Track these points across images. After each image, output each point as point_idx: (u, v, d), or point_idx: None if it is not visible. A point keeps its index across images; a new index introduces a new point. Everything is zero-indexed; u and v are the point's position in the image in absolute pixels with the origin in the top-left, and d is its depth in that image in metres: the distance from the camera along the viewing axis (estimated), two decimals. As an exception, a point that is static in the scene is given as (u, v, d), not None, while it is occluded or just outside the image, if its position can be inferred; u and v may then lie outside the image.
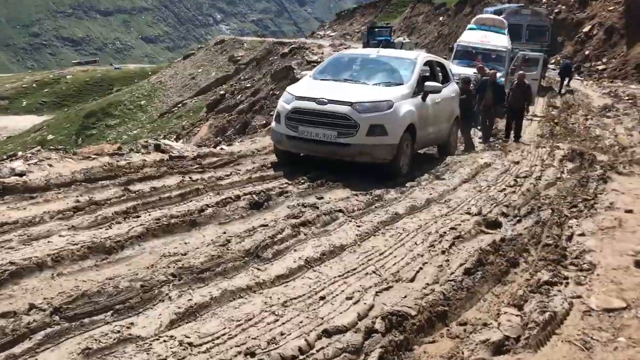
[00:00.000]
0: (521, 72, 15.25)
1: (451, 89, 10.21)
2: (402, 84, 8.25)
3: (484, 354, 3.20)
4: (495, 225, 5.79)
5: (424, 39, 51.29)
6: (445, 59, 23.28)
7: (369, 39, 36.54)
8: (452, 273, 4.43)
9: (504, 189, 7.48)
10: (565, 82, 24.03)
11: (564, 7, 36.16)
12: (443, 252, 4.94)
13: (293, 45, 40.62)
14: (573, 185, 7.56)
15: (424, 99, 8.47)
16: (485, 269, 4.45)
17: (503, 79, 17.37)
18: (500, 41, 19.07)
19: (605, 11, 33.07)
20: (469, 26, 21.33)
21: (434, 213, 6.25)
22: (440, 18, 51.43)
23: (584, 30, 33.76)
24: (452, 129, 10.38)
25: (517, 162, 9.66)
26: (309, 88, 8.25)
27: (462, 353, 3.18)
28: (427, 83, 8.59)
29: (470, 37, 19.54)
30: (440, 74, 9.93)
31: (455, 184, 7.73)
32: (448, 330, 3.54)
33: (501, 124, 15.15)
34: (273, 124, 8.42)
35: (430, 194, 7.04)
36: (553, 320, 3.62)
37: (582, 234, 5.42)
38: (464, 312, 3.81)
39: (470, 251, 4.93)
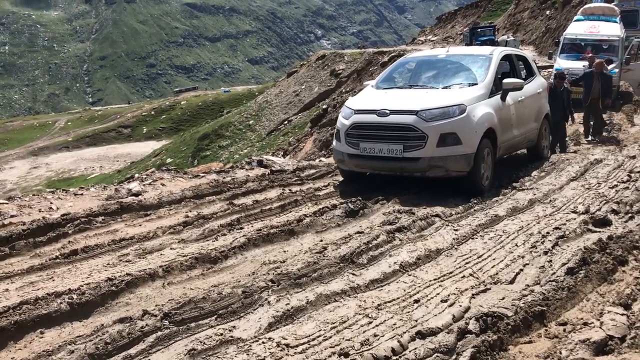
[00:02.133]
0: (599, 59, 13.69)
1: (537, 85, 9.13)
2: (477, 84, 7.36)
3: (584, 353, 3.07)
4: (603, 223, 5.49)
5: (531, 36, 49.21)
6: (551, 54, 22.35)
7: (472, 40, 35.69)
8: (553, 273, 4.28)
9: (616, 185, 7.07)
10: None
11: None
12: (545, 253, 4.77)
13: (393, 54, 40.54)
14: (695, 177, 6.98)
15: (503, 98, 7.57)
16: (589, 268, 4.25)
17: (617, 70, 16.36)
18: (611, 30, 17.92)
19: None
20: (575, 17, 20.25)
21: (537, 213, 6.04)
22: (547, 12, 49.08)
23: None
24: (542, 129, 9.26)
25: (634, 157, 9.07)
26: (369, 99, 7.52)
27: (560, 353, 3.07)
28: (505, 80, 7.69)
29: (578, 28, 18.55)
30: (522, 69, 8.99)
31: (562, 182, 7.41)
32: (546, 330, 3.43)
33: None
34: (334, 142, 7.71)
35: (534, 194, 6.80)
36: (664, 319, 3.39)
37: (702, 229, 5.01)
38: (565, 312, 3.67)
39: (574, 250, 4.73)
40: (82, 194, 7.01)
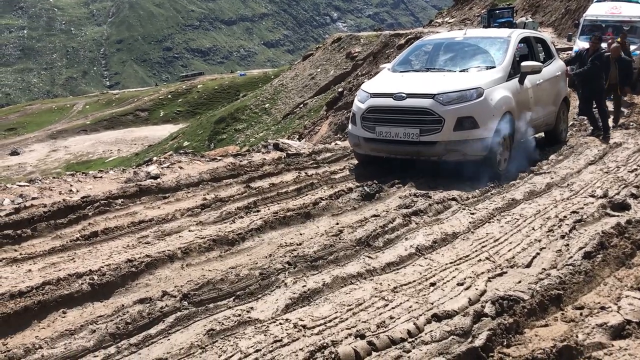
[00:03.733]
0: (615, 44, 12.39)
1: (555, 68, 8.99)
2: (494, 67, 7.28)
3: (601, 337, 3.08)
4: (622, 207, 5.45)
5: (550, 17, 48.35)
6: (570, 36, 21.96)
7: (490, 22, 35.16)
8: (570, 257, 4.27)
9: (636, 169, 7.00)
10: None
11: None
12: (562, 237, 4.76)
13: (410, 36, 40.14)
14: None
15: (521, 81, 7.49)
16: (607, 252, 4.23)
17: (638, 52, 16.06)
18: (634, 10, 17.52)
19: None
20: (596, -2, 19.86)
21: (554, 197, 6.01)
22: (567, -7, 48.25)
23: None
24: (561, 113, 9.11)
25: (654, 140, 8.96)
26: (385, 83, 7.45)
27: (577, 336, 3.08)
28: (523, 63, 7.60)
29: (598, 9, 18.18)
30: (541, 52, 8.85)
31: (580, 166, 7.35)
32: (563, 314, 3.44)
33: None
34: (349, 126, 7.69)
35: (552, 178, 6.75)
36: (682, 304, 3.38)
37: None
38: (582, 296, 3.66)
39: (591, 234, 4.70)
40: (101, 177, 7.10)
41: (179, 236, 5.08)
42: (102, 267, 4.24)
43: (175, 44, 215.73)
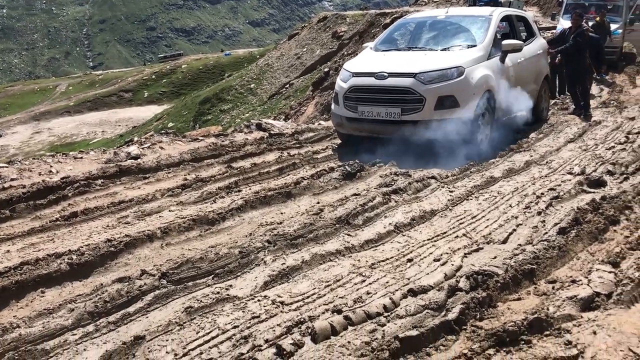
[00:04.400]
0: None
1: (536, 46, 9.04)
2: (475, 46, 7.29)
3: (571, 309, 3.15)
4: (598, 184, 5.53)
5: (535, -5, 48.42)
6: (554, 15, 21.95)
7: (475, 1, 35.03)
8: (545, 233, 4.34)
9: (613, 147, 7.09)
10: None
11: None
12: (539, 214, 4.83)
13: (395, 15, 39.93)
14: (693, 138, 6.99)
15: (502, 60, 7.51)
16: (581, 227, 4.30)
17: (620, 31, 16.17)
18: (617, -10, 17.61)
19: None
20: (580, -24, 19.87)
21: (533, 175, 6.08)
22: (552, -29, 48.21)
23: None
24: (542, 91, 9.15)
25: (633, 118, 9.06)
26: (367, 62, 7.47)
27: (547, 309, 3.14)
28: (504, 42, 7.63)
29: (583, -13, 18.22)
30: (522, 30, 8.86)
31: (560, 144, 7.43)
32: (535, 287, 3.50)
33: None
34: (332, 105, 7.67)
35: (531, 156, 6.83)
36: (651, 276, 3.46)
37: (696, 188, 5.05)
38: (554, 270, 3.73)
39: (567, 211, 4.78)
40: (81, 158, 7.06)
41: (159, 216, 5.09)
42: (82, 247, 4.25)
43: (158, 23, 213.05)
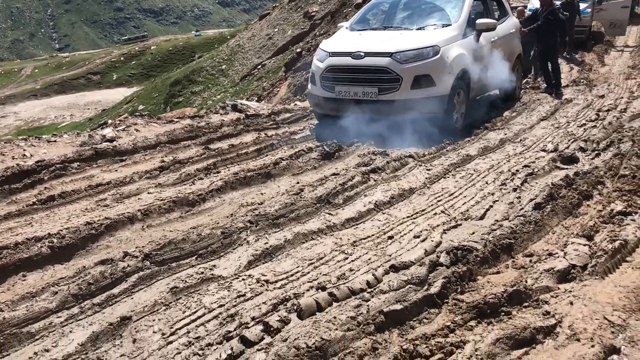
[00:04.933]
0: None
1: (509, 25, 9.15)
2: (450, 25, 7.35)
3: (548, 281, 3.26)
4: (571, 160, 5.67)
5: (505, -25, 48.71)
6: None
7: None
8: (521, 209, 4.45)
9: (584, 124, 7.25)
10: None
11: None
12: (515, 190, 4.94)
13: (367, -5, 39.79)
14: (660, 115, 7.19)
15: (477, 39, 7.61)
16: (556, 202, 4.42)
17: (589, 10, 16.39)
18: (585, -32, 17.79)
19: None
20: (550, -44, 20.01)
21: (507, 152, 6.20)
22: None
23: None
24: (515, 70, 9.28)
25: (602, 96, 9.27)
26: (343, 41, 7.46)
27: (526, 281, 3.25)
28: (478, 21, 7.69)
29: (552, -33, 18.36)
30: (496, 9, 8.95)
31: (533, 122, 7.57)
32: (513, 261, 3.61)
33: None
34: (309, 85, 7.67)
35: (505, 134, 6.95)
36: (624, 248, 3.58)
37: (664, 163, 5.21)
38: (531, 244, 3.84)
39: (542, 187, 4.90)
40: (55, 141, 6.94)
41: (138, 198, 5.06)
42: (61, 230, 4.21)
43: (126, 4, 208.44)
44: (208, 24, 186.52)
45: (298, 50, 40.85)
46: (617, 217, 4.11)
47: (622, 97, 8.95)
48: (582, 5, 15.72)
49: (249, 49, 53.83)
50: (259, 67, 47.74)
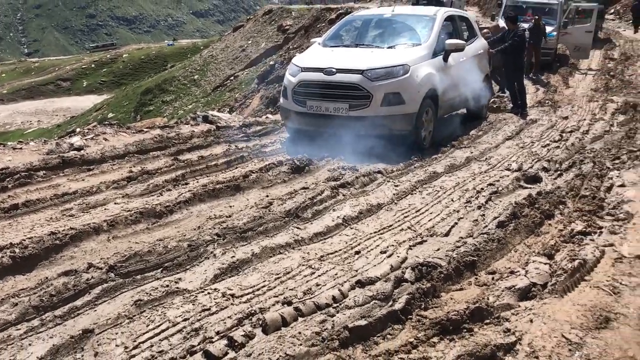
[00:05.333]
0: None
1: (478, 46, 9.38)
2: (420, 45, 7.53)
3: (510, 299, 3.33)
4: (534, 180, 5.81)
5: (477, -4, 49.72)
6: (494, 16, 22.63)
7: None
8: (485, 226, 4.54)
9: (548, 145, 7.44)
10: None
11: (623, -48, 34.25)
12: (479, 208, 5.04)
13: (340, 11, 40.21)
14: (620, 137, 7.41)
15: (445, 59, 7.77)
16: (519, 221, 4.53)
17: (555, 33, 16.84)
18: (552, -7, 18.31)
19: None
20: (518, -20, 20.54)
21: (473, 170, 6.32)
22: (492, -27, 49.61)
23: (646, -24, 31.97)
24: (482, 90, 9.36)
25: (566, 118, 9.53)
26: (316, 57, 7.56)
27: (488, 299, 3.32)
28: (448, 41, 7.87)
29: (520, -10, 18.85)
30: (465, 30, 9.16)
31: (498, 141, 7.73)
32: (476, 278, 3.68)
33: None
34: (281, 99, 7.75)
35: (471, 152, 7.08)
36: (582, 267, 3.69)
37: (623, 185, 5.39)
38: (494, 262, 3.93)
39: (505, 205, 5.01)
40: (21, 148, 6.82)
41: (105, 209, 5.00)
42: (24, 240, 4.13)
43: (99, 11, 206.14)
44: (181, 33, 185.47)
45: (271, 62, 40.97)
46: (577, 236, 4.23)
47: (584, 119, 9.22)
48: (549, 29, 16.15)
49: (222, 60, 53.73)
50: (232, 78, 47.66)
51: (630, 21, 27.19)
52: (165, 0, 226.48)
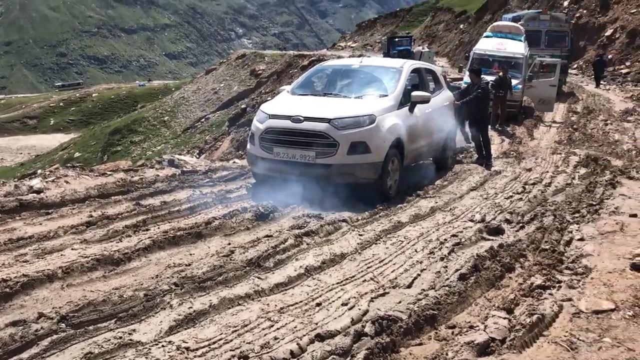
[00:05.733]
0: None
1: (443, 98, 9.56)
2: (387, 95, 7.69)
3: (468, 355, 3.30)
4: (497, 232, 5.86)
5: (445, 48, 51.29)
6: (461, 67, 23.31)
7: (390, 49, 36.63)
8: (447, 279, 4.54)
9: (511, 196, 7.55)
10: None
11: (585, 11, 35.92)
12: (442, 259, 5.04)
13: (313, 58, 40.98)
14: (581, 191, 7.58)
15: (411, 110, 7.92)
16: (480, 274, 4.54)
17: (520, 86, 17.37)
18: (516, 48, 18.96)
19: (627, 14, 32.77)
20: (485, 34, 21.25)
21: (437, 221, 6.35)
22: (461, 26, 51.37)
23: (606, 34, 33.51)
24: (447, 140, 9.63)
25: (530, 169, 9.70)
26: (284, 105, 7.67)
27: (447, 354, 3.29)
28: (414, 93, 8.03)
29: (486, 44, 19.48)
30: (431, 82, 9.36)
31: (463, 192, 7.82)
32: (436, 332, 3.65)
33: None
34: (248, 145, 7.77)
35: (436, 202, 7.14)
36: (541, 322, 3.69)
37: (582, 239, 5.47)
38: (455, 315, 3.91)
39: (467, 257, 5.03)
40: (-23, 190, 6.64)
41: (61, 255, 4.86)
42: (-28, 288, 3.98)
43: (70, 49, 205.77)
44: (153, 74, 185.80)
45: (243, 106, 41.27)
46: (536, 290, 4.25)
47: (547, 172, 9.42)
48: (514, 82, 16.65)
49: (193, 102, 53.87)
50: (203, 120, 47.76)
51: (592, 76, 28.36)
52: (138, 41, 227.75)
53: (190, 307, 3.89)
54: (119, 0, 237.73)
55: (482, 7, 47.69)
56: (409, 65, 8.56)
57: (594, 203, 6.82)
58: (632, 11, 32.55)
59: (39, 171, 7.73)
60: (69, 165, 8.38)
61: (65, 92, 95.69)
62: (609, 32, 33.39)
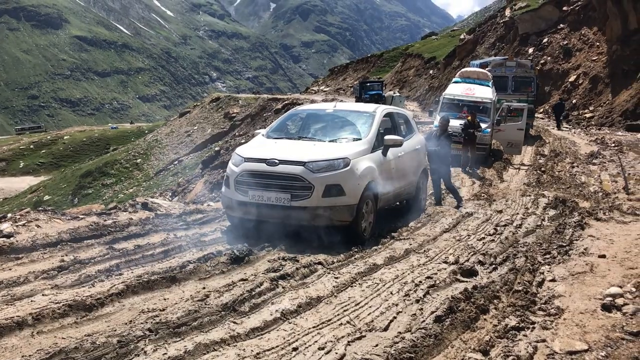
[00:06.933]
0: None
1: (415, 141, 9.77)
2: (360, 139, 7.86)
3: (446, 398, 3.31)
4: (470, 273, 5.92)
5: (415, 92, 52.45)
6: (432, 112, 23.84)
7: (361, 93, 37.30)
8: (423, 321, 4.56)
9: (484, 238, 7.65)
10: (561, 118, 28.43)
11: (549, 58, 37.30)
12: (417, 301, 5.06)
13: (286, 102, 41.52)
14: (551, 232, 7.73)
15: (384, 153, 8.11)
16: (455, 316, 4.57)
17: (489, 130, 17.81)
18: (484, 93, 19.52)
19: (589, 61, 34.12)
20: (454, 79, 21.86)
21: (412, 263, 6.39)
22: (430, 71, 52.73)
23: (569, 80, 34.82)
24: (420, 183, 9.85)
25: (501, 211, 9.86)
26: (259, 148, 7.76)
27: (424, 398, 3.28)
28: (387, 137, 8.22)
29: (455, 89, 20.02)
30: (403, 126, 9.57)
31: (436, 233, 7.90)
32: (413, 377, 3.65)
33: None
34: (223, 188, 7.83)
35: (410, 244, 7.20)
36: (516, 364, 3.73)
37: (553, 280, 5.56)
38: (431, 358, 3.92)
39: (442, 299, 5.06)
40: (-56, 234, 6.50)
41: (31, 301, 4.75)
42: (-62, 337, 3.86)
43: (42, 92, 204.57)
44: (127, 117, 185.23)
45: (217, 148, 41.34)
46: (511, 332, 4.29)
47: (518, 213, 9.59)
48: (483, 125, 17.08)
49: (166, 144, 53.80)
50: (176, 162, 47.65)
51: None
52: (111, 84, 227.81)
53: (165, 354, 3.82)
54: (92, 44, 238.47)
55: (451, 53, 49.17)
56: (381, 109, 8.75)
57: (564, 244, 6.95)
58: (594, 58, 33.93)
59: (9, 215, 7.58)
60: (40, 208, 8.26)
61: (36, 134, 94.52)
62: (572, 78, 34.70)
